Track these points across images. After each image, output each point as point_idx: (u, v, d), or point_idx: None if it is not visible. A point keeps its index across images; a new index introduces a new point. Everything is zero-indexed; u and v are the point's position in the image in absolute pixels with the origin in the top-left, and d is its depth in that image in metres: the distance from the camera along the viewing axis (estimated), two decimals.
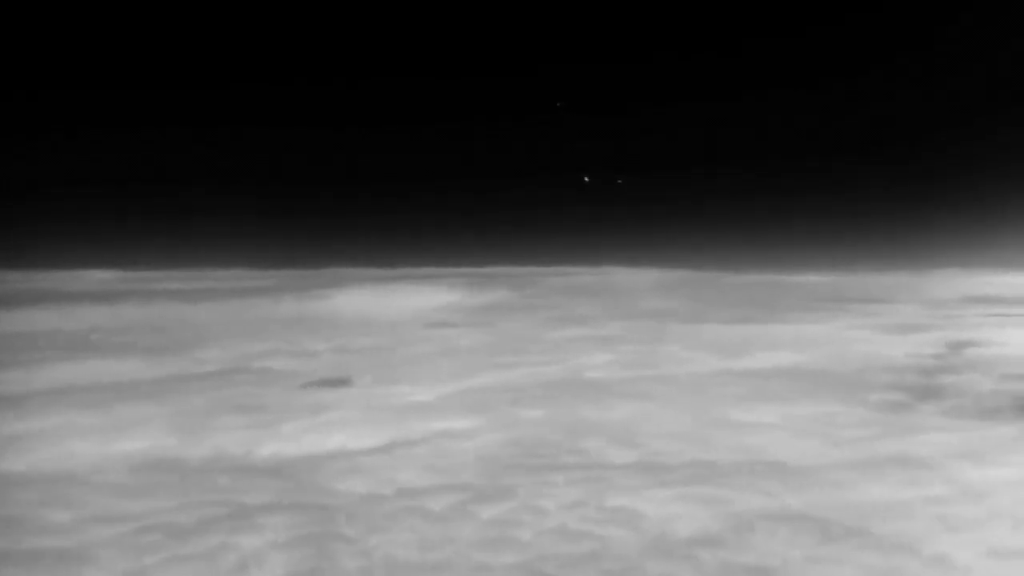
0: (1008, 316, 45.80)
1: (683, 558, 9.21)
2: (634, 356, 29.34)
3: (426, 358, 27.82)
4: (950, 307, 55.34)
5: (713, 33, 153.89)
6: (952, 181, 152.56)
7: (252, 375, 23.57)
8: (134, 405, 18.37)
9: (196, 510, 10.87)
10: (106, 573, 8.94)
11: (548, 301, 57.41)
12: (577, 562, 9.15)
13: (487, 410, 17.77)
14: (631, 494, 11.43)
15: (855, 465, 12.82)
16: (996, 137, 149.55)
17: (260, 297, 56.48)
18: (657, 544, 9.66)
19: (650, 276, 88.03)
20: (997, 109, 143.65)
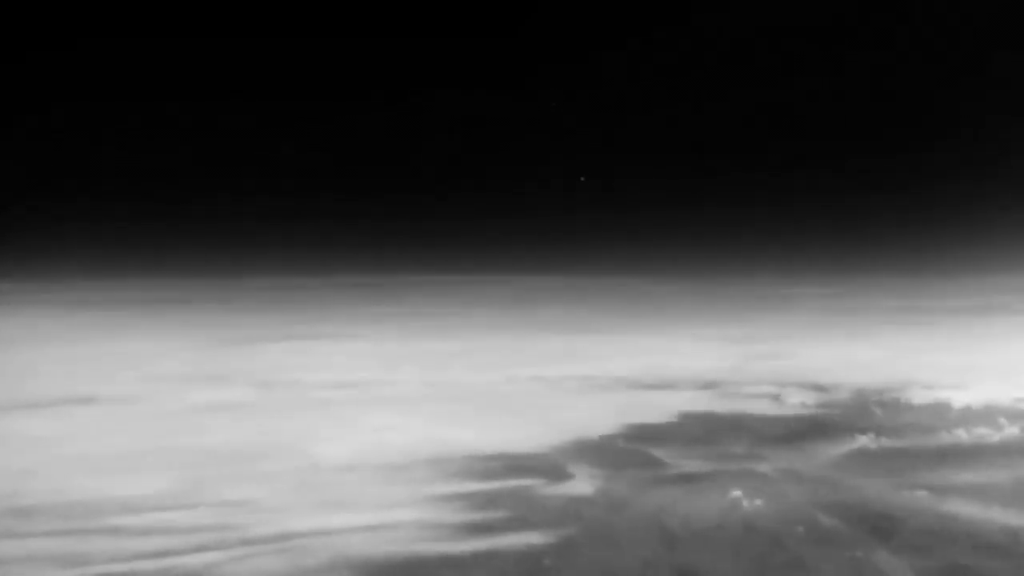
0: (913, 324, 44.98)
1: None
2: (425, 367, 27.90)
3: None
4: (850, 315, 54.39)
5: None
6: (902, 190, 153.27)
7: None
8: None
9: None
10: None
11: (414, 309, 55.26)
12: None
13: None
14: None
15: None
16: (953, 147, 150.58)
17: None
18: None
19: (557, 283, 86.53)
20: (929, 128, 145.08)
